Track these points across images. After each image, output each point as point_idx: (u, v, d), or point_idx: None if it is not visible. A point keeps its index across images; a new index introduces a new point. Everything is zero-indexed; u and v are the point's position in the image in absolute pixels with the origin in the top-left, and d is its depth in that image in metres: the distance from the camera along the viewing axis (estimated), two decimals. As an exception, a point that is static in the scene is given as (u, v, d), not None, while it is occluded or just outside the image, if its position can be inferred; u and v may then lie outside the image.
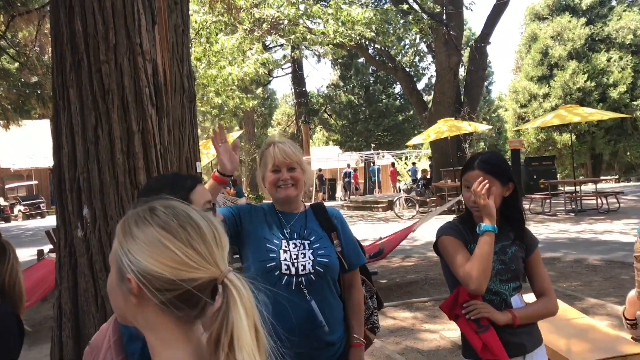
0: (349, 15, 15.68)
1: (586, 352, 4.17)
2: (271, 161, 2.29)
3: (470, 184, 2.18)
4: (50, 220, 18.21)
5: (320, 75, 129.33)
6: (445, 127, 16.71)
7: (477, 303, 2.12)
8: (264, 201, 6.70)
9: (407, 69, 25.01)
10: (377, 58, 25.38)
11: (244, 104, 18.64)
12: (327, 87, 42.05)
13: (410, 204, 18.11)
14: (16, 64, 15.94)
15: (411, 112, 37.33)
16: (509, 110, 34.08)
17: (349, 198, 26.04)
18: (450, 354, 4.70)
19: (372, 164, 30.18)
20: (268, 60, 17.58)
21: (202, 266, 1.00)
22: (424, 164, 27.39)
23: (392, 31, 18.80)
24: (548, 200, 14.98)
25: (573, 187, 15.77)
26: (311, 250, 2.27)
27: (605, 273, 7.35)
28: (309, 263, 2.24)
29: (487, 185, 2.13)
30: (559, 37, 30.55)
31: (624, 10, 30.70)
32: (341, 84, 40.12)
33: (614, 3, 32.01)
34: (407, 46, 33.87)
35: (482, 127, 19.75)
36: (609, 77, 28.84)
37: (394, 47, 20.60)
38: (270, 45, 24.98)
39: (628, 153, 31.06)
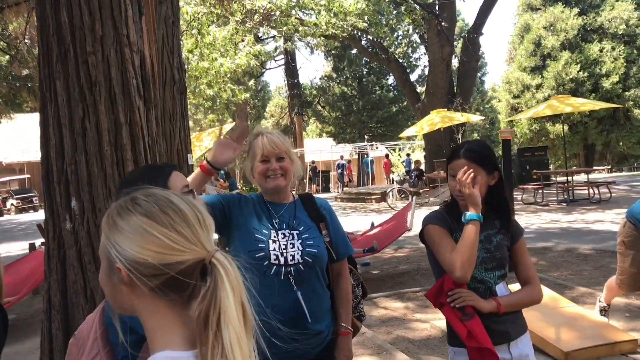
0: (341, 6, 15.64)
1: (575, 339, 4.21)
2: (260, 152, 2.28)
3: (456, 173, 2.19)
4: (43, 214, 18.15)
5: (314, 66, 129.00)
6: (438, 119, 16.74)
7: (462, 291, 2.14)
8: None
9: (400, 60, 24.99)
10: (370, 49, 25.33)
11: (237, 96, 18.59)
12: (320, 78, 42.00)
13: (403, 195, 18.14)
14: (6, 57, 15.83)
15: (405, 104, 37.33)
16: (502, 101, 34.12)
17: (343, 190, 26.06)
18: (440, 343, 4.73)
19: (365, 156, 30.20)
20: (260, 52, 17.51)
21: (187, 248, 1.02)
22: (418, 155, 27.44)
23: (384, 22, 18.77)
24: (540, 191, 15.03)
25: (565, 178, 15.83)
26: (300, 241, 2.28)
27: (596, 262, 7.40)
28: (297, 253, 2.25)
29: (472, 174, 2.14)
30: (551, 28, 30.57)
31: (617, 1, 30.71)
32: (334, 75, 40.05)
33: (606, -7, 32.04)
34: (400, 37, 33.84)
35: (475, 118, 19.81)
36: (601, 68, 28.90)
37: (387, 38, 20.60)
38: (263, 37, 24.86)
39: (620, 143, 31.19)
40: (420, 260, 8.35)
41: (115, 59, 3.16)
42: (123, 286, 1.04)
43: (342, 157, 29.21)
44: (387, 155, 31.28)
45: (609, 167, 32.51)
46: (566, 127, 27.36)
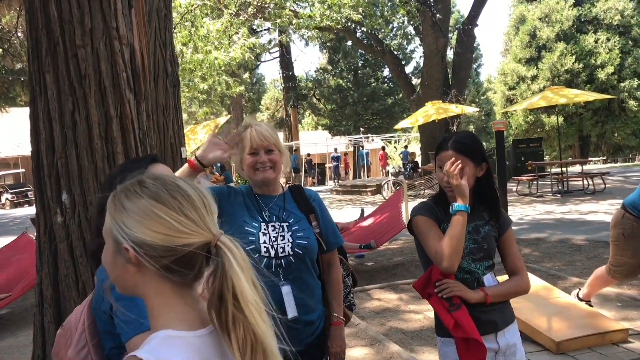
0: (335, -3, 15.59)
1: (566, 329, 4.24)
2: (248, 144, 2.28)
3: (444, 164, 2.19)
4: (38, 208, 18.07)
5: (309, 59, 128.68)
6: (432, 110, 16.73)
7: (450, 282, 2.15)
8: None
9: (395, 52, 24.95)
10: (364, 41, 25.28)
11: (231, 90, 18.54)
12: (315, 71, 41.86)
13: (398, 188, 18.15)
14: (-1, 51, 15.74)
15: (400, 95, 37.28)
16: (498, 92, 34.09)
17: (338, 182, 26.07)
18: (433, 334, 4.70)
19: (361, 148, 30.18)
20: (255, 45, 17.46)
21: (195, 231, 1.06)
22: (415, 148, 27.44)
23: (379, 14, 18.72)
24: (535, 182, 15.07)
25: (560, 169, 15.84)
26: (290, 233, 2.28)
27: (589, 253, 7.44)
28: (288, 245, 2.26)
29: (460, 166, 2.15)
30: (546, 19, 30.53)
31: (612, -9, 30.69)
32: (329, 67, 39.95)
33: (601, -16, 31.99)
34: (394, 29, 33.76)
35: (470, 110, 19.81)
36: (596, 59, 28.89)
37: (382, 30, 20.54)
38: (258, 30, 24.79)
39: (615, 134, 31.22)
40: (414, 252, 8.31)
41: (104, 52, 3.16)
42: (129, 266, 1.08)
43: (336, 150, 29.18)
44: (383, 148, 31.27)
45: (604, 158, 32.59)
46: (561, 119, 27.42)
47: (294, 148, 30.89)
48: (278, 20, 16.17)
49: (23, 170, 32.85)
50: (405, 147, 29.58)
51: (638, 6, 30.23)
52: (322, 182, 30.07)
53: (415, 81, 28.99)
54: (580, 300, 4.75)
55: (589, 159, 28.86)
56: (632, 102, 28.76)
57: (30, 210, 23.65)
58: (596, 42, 29.27)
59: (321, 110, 41.37)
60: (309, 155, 30.54)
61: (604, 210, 11.04)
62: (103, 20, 3.15)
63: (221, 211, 2.28)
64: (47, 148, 3.19)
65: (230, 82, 17.97)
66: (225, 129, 2.35)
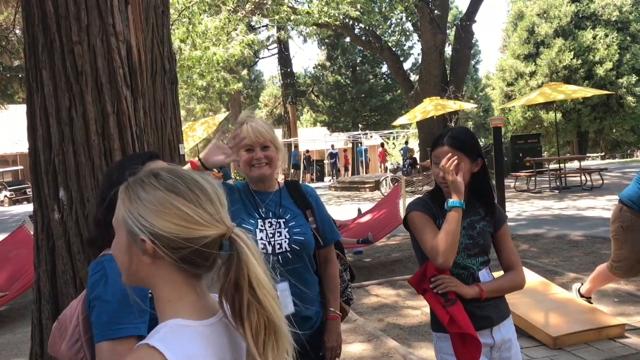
0: (333, -6, 15.57)
1: (563, 324, 4.25)
2: (244, 140, 2.28)
3: (440, 160, 2.20)
4: (36, 205, 18.05)
5: (307, 55, 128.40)
6: (430, 107, 16.73)
7: (445, 277, 2.16)
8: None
9: (394, 49, 24.93)
10: (363, 38, 25.26)
11: (230, 86, 18.51)
12: (314, 67, 41.84)
13: (396, 184, 18.17)
14: (-3, 48, 15.69)
15: (398, 92, 37.30)
16: (496, 88, 34.09)
17: (336, 179, 26.06)
18: (430, 330, 4.76)
19: (359, 145, 30.16)
20: (254, 41, 17.43)
21: (212, 224, 1.09)
22: (414, 144, 27.43)
23: (377, 10, 18.69)
24: (533, 178, 15.08)
25: (558, 165, 15.84)
26: (287, 229, 2.29)
27: (586, 248, 7.46)
28: (285, 241, 2.27)
29: (456, 162, 2.15)
30: (545, 15, 30.52)
31: (610, -13, 30.68)
32: (328, 64, 39.91)
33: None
34: (393, 25, 33.71)
35: (468, 106, 19.80)
36: (595, 55, 28.89)
37: (380, 27, 20.50)
38: (256, 26, 24.75)
39: (613, 130, 31.25)
40: (412, 248, 8.36)
41: (101, 49, 3.15)
42: (145, 258, 1.09)
43: (332, 147, 29.17)
44: (382, 144, 31.26)
45: (602, 154, 32.60)
46: (559, 115, 27.42)
47: (294, 145, 30.85)
48: (276, 17, 16.14)
49: (21, 167, 32.82)
50: (406, 142, 29.56)
51: (636, 2, 30.23)
52: (320, 178, 30.06)
53: (413, 77, 29.01)
54: (581, 296, 4.75)
55: (587, 155, 28.88)
56: (630, 98, 28.78)
57: (29, 208, 23.63)
58: (594, 38, 29.27)
59: (319, 107, 41.36)
60: (307, 151, 30.53)
61: (602, 206, 11.06)
62: (99, 17, 3.15)
63: None
64: (44, 145, 3.18)
65: (229, 79, 17.94)
66: (231, 133, 2.34)
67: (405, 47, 39.29)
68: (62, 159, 3.13)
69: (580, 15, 30.33)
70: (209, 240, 1.08)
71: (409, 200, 7.83)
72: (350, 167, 31.36)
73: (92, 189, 3.10)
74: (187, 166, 2.24)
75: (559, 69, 28.82)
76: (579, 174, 14.84)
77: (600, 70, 28.48)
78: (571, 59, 28.67)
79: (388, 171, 21.32)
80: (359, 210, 9.61)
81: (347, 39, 35.99)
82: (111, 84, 3.17)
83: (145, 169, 1.18)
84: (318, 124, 43.68)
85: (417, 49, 39.01)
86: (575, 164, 18.80)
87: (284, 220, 2.31)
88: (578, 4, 30.36)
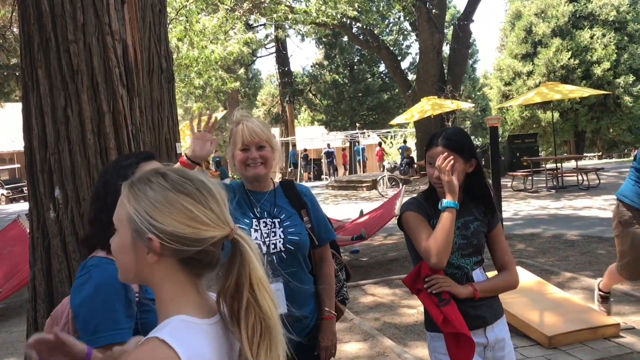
0: (331, -7, 15.56)
1: (558, 324, 4.27)
2: (240, 140, 2.28)
3: (434, 161, 2.20)
4: (33, 204, 17.99)
5: (305, 54, 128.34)
6: (428, 106, 16.74)
7: (439, 277, 2.16)
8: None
9: (391, 48, 24.93)
10: (360, 37, 25.24)
11: (227, 85, 18.49)
12: (311, 66, 41.83)
13: (394, 183, 18.19)
14: (-7, 46, 15.65)
15: (396, 91, 37.30)
16: (494, 88, 34.09)
17: (334, 177, 26.06)
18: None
19: (357, 144, 30.16)
20: (251, 40, 17.41)
21: (218, 225, 1.11)
22: (411, 143, 27.41)
23: (375, 9, 18.69)
24: (530, 178, 15.11)
25: (554, 164, 15.86)
26: (282, 229, 2.29)
27: (582, 248, 7.47)
28: (279, 241, 2.27)
29: (452, 162, 2.16)
30: (542, 15, 30.52)
31: (607, -13, 30.68)
32: (326, 63, 39.90)
33: (597, -21, 31.96)
34: (390, 24, 33.72)
35: (465, 105, 19.82)
36: (592, 54, 28.90)
37: (378, 26, 20.50)
38: (254, 25, 24.74)
39: (611, 130, 31.28)
40: (409, 248, 8.39)
41: (97, 48, 3.15)
42: (150, 256, 1.10)
43: (329, 146, 29.16)
44: (380, 144, 31.27)
45: (599, 154, 32.64)
46: (557, 114, 27.45)
47: (292, 144, 30.84)
48: (274, 16, 16.13)
49: (18, 165, 32.72)
50: (405, 141, 29.58)
51: (634, 2, 30.26)
52: (318, 177, 30.06)
53: (411, 77, 29.00)
54: (600, 290, 4.73)
55: (584, 154, 28.89)
56: (627, 98, 28.80)
57: (26, 206, 23.57)
58: (592, 38, 29.27)
59: (317, 106, 41.35)
60: (305, 150, 30.53)
61: (598, 206, 11.09)
62: (95, 16, 3.15)
63: None
64: (40, 143, 3.19)
65: (226, 78, 17.92)
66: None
67: (403, 47, 39.31)
68: (57, 158, 3.13)
69: (578, 15, 30.34)
70: (215, 241, 1.11)
71: (406, 199, 7.84)
72: (347, 166, 31.36)
73: (88, 188, 3.10)
74: (177, 164, 2.23)
75: (556, 68, 28.83)
76: (575, 174, 14.86)
77: (597, 70, 28.50)
78: (568, 59, 28.68)
79: (385, 170, 21.34)
80: (361, 211, 9.62)
81: (345, 38, 35.96)
82: (107, 83, 3.17)
83: (139, 170, 1.19)
84: (316, 122, 43.68)
85: (414, 48, 39.15)
86: (572, 164, 18.84)
87: (278, 220, 2.32)
88: (576, 3, 30.37)
